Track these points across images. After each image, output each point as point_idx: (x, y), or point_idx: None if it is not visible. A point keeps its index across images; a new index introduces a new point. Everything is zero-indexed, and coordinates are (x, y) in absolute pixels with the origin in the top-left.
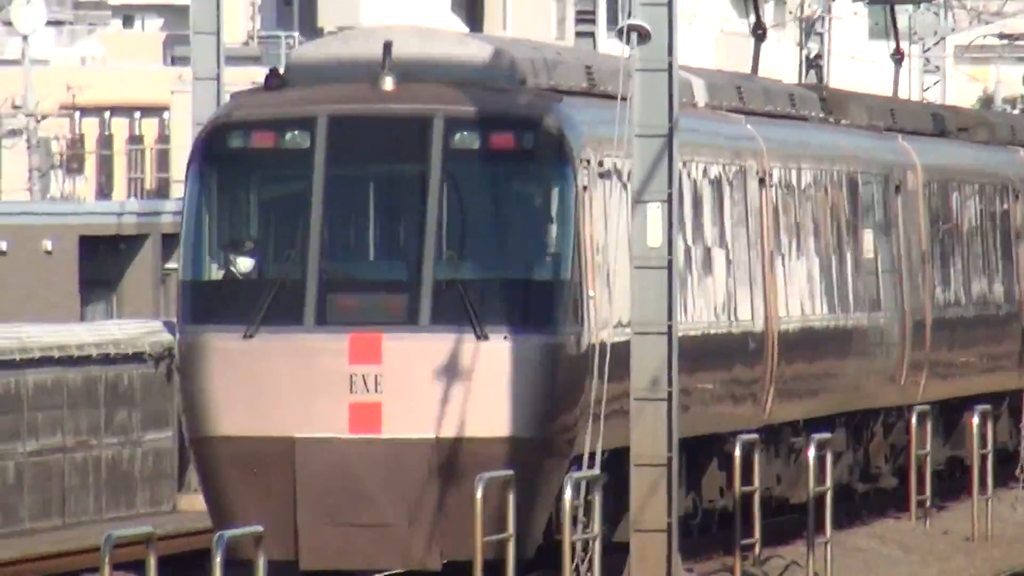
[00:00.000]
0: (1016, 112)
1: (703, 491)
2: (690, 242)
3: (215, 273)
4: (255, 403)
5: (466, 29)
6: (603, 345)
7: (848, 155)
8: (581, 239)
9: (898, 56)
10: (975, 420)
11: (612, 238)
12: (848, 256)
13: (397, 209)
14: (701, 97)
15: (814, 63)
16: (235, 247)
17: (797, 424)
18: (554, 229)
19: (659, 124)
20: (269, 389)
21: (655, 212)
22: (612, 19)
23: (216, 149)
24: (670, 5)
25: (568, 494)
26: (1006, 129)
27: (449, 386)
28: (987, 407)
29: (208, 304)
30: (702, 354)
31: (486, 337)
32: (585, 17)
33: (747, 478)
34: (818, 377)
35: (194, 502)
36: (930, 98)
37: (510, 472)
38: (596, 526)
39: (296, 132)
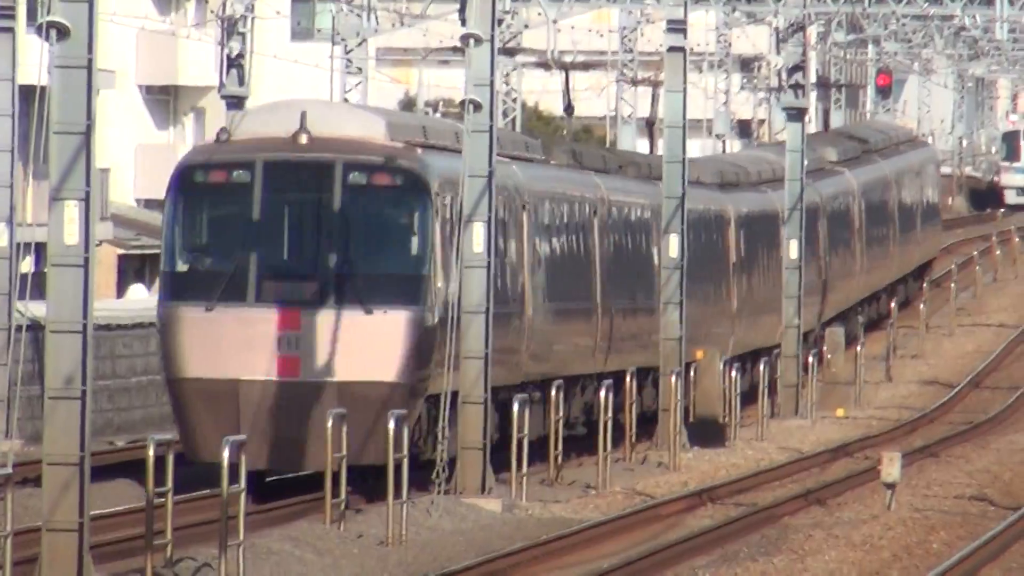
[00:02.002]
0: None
1: None
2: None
3: (184, 266)
4: (212, 355)
5: None
6: (444, 319)
7: None
8: (433, 246)
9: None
10: (391, 425)
11: (450, 246)
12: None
13: (313, 224)
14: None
15: (235, 62)
16: (199, 248)
17: None
18: (416, 240)
19: (78, 121)
20: (222, 345)
21: (72, 211)
22: (32, 15)
23: (185, 182)
24: (91, 2)
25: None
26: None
27: (346, 346)
28: (403, 411)
29: (180, 287)
30: None
31: (371, 312)
32: (5, 12)
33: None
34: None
35: None
36: (352, 99)
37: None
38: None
39: (240, 171)
